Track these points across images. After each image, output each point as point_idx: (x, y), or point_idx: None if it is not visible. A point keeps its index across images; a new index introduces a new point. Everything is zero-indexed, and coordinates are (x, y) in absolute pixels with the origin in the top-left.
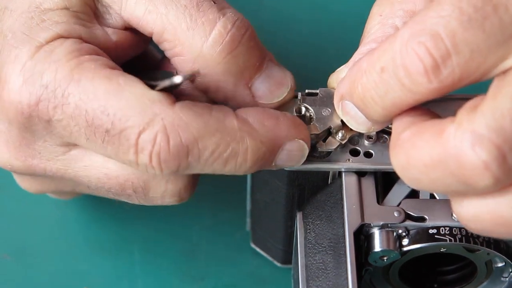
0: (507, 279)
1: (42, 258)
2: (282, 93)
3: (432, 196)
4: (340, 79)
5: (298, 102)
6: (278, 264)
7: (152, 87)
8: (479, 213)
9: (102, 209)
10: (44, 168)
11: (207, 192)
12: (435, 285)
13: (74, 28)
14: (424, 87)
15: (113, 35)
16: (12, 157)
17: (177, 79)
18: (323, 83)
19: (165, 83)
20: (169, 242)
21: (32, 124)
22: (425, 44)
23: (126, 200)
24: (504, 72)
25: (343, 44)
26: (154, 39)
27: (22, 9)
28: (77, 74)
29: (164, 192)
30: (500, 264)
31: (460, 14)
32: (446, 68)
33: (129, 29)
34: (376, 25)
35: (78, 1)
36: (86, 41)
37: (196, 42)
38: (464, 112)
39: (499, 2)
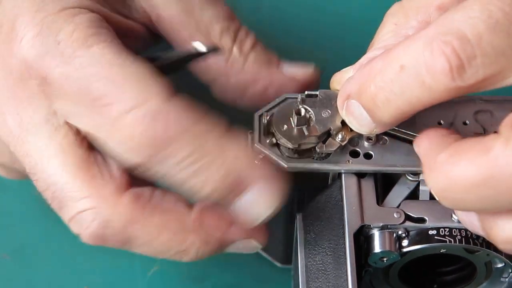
0: (506, 279)
1: (41, 258)
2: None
3: (431, 198)
4: (345, 79)
5: (298, 104)
6: (278, 265)
7: (157, 59)
8: None
9: None
10: (10, 132)
11: None
12: (435, 286)
13: (99, 7)
14: (445, 86)
15: (127, 22)
16: None
17: (201, 47)
18: (322, 84)
19: (182, 53)
20: None
21: (30, 77)
22: (452, 43)
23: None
24: None
25: (342, 45)
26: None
27: None
28: (91, 41)
29: (71, 218)
30: (499, 265)
31: (488, 17)
32: (471, 68)
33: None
34: (389, 33)
35: None
36: (107, 22)
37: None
38: (508, 128)
39: None
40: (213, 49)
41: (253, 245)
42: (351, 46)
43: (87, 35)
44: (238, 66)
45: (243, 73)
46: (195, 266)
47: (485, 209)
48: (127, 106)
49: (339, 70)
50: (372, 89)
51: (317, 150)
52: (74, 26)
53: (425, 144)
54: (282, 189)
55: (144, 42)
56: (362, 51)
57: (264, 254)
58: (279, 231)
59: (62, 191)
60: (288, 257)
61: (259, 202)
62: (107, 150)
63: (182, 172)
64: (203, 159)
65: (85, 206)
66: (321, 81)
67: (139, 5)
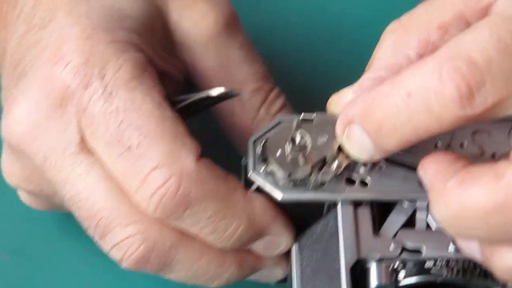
0: None
1: (41, 258)
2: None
3: (428, 227)
4: (344, 102)
5: (293, 130)
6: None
7: (180, 102)
8: None
9: None
10: (44, 158)
11: None
12: None
13: (145, 46)
14: (454, 114)
15: (166, 66)
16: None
17: (216, 91)
18: (319, 88)
19: (202, 94)
20: None
21: (69, 103)
22: (461, 69)
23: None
24: None
25: (339, 48)
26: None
27: (103, 3)
28: (135, 83)
29: (116, 244)
30: None
31: (498, 41)
32: (480, 96)
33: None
34: (387, 52)
35: (154, 24)
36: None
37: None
38: None
39: None
40: (230, 93)
41: (277, 273)
42: (347, 51)
43: (133, 75)
44: (262, 126)
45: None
46: None
47: (491, 238)
48: (158, 162)
49: (337, 72)
50: (378, 115)
51: (312, 178)
52: (122, 62)
53: (433, 169)
54: (292, 239)
55: (177, 87)
56: (362, 55)
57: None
58: None
59: (108, 218)
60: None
61: (269, 248)
62: (130, 195)
63: (208, 227)
64: (230, 217)
65: (133, 231)
66: (317, 85)
67: (177, 52)
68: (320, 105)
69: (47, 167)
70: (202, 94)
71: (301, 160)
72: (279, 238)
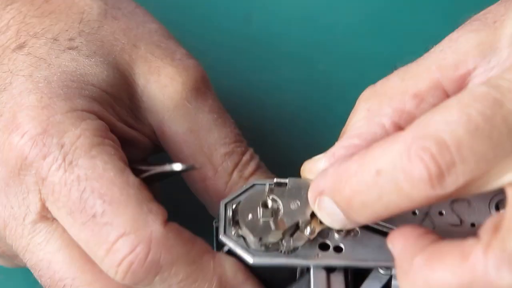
0: None
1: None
2: None
3: None
4: (317, 169)
5: (266, 194)
6: None
7: (142, 171)
8: None
9: None
10: (4, 224)
11: None
12: None
13: (107, 115)
14: (425, 193)
15: (131, 133)
16: None
17: (177, 167)
18: (311, 98)
19: (164, 168)
20: None
21: (27, 173)
22: (430, 150)
23: None
24: None
25: (332, 59)
26: (179, 157)
27: (64, 69)
28: (95, 152)
29: None
30: None
31: (468, 121)
32: (450, 176)
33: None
34: (361, 120)
35: (120, 90)
36: (112, 131)
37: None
38: (489, 233)
39: (509, 113)
40: (191, 168)
41: None
42: (340, 62)
43: (92, 144)
44: (236, 190)
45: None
46: None
47: None
48: (124, 230)
49: (333, 84)
50: (347, 191)
51: (284, 244)
52: (81, 132)
53: (400, 243)
54: None
55: (145, 151)
56: (351, 63)
57: None
58: None
59: (71, 286)
60: None
61: None
62: (97, 262)
63: None
64: (201, 280)
65: None
66: (310, 94)
67: (145, 117)
68: (319, 104)
69: (7, 234)
70: (165, 168)
71: (272, 225)
72: None
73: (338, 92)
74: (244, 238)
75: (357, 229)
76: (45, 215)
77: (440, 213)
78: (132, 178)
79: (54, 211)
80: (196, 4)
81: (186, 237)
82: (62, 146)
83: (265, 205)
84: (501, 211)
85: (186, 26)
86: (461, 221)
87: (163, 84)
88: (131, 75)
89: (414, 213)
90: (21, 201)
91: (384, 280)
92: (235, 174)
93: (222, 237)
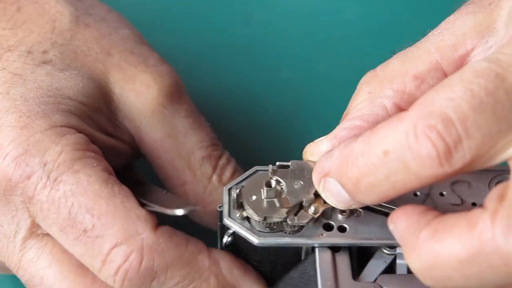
0: None
1: None
2: None
3: (409, 272)
4: (319, 151)
5: (269, 175)
6: None
7: (143, 204)
8: None
9: None
10: None
11: None
12: None
13: (86, 127)
14: (433, 172)
15: (111, 141)
16: None
17: (179, 212)
18: (312, 99)
19: (166, 211)
20: None
21: (13, 194)
22: (436, 127)
23: None
24: None
25: (333, 59)
26: (158, 163)
27: (40, 84)
28: (78, 166)
29: None
30: None
31: (471, 97)
32: (457, 153)
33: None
34: (363, 102)
35: (96, 100)
36: (92, 142)
37: (207, 172)
38: (495, 201)
39: (511, 86)
40: (192, 210)
41: None
42: (340, 62)
43: (74, 158)
44: (216, 195)
45: (220, 202)
46: None
47: (470, 287)
48: (116, 240)
49: (333, 85)
50: (355, 173)
51: (289, 222)
52: (62, 148)
53: (403, 221)
54: None
55: (125, 158)
56: (352, 64)
57: None
58: None
59: None
60: None
61: None
62: (94, 272)
63: None
64: (197, 279)
65: None
66: (310, 96)
67: (123, 124)
68: (319, 104)
69: (0, 252)
70: (166, 211)
71: (276, 204)
72: None
73: (338, 92)
74: (249, 220)
75: (360, 210)
76: (35, 232)
77: (441, 194)
78: (117, 188)
79: (46, 227)
80: (196, 4)
81: (178, 239)
82: (45, 164)
83: (268, 185)
84: (504, 183)
85: (185, 26)
86: (462, 201)
87: (138, 92)
88: (107, 84)
89: (415, 194)
90: (10, 220)
91: (389, 260)
92: (214, 178)
93: (227, 220)
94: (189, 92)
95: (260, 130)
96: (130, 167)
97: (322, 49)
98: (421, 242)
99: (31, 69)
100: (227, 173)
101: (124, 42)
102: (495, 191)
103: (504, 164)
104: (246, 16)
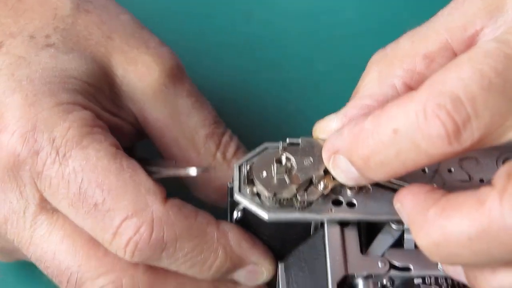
0: None
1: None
2: None
3: (416, 246)
4: (329, 129)
5: (279, 152)
6: None
7: (152, 173)
8: None
9: None
10: (5, 219)
11: None
12: None
13: (91, 105)
14: (442, 150)
15: (115, 120)
16: None
17: (193, 172)
18: (312, 98)
19: (179, 172)
20: None
21: (21, 169)
22: (446, 107)
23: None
24: None
25: (332, 58)
26: (162, 142)
27: (45, 66)
28: (86, 142)
29: None
30: None
31: (481, 77)
32: (466, 132)
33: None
34: (373, 81)
35: (100, 81)
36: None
37: (211, 149)
38: (503, 179)
39: None
40: (204, 170)
41: (260, 272)
42: (340, 62)
43: (82, 134)
44: (221, 171)
45: (225, 178)
46: None
47: (475, 263)
48: (126, 214)
49: (333, 82)
50: (365, 151)
51: (299, 198)
52: (69, 124)
53: (410, 200)
54: (273, 266)
55: (129, 139)
56: (352, 63)
57: None
58: None
59: (78, 274)
60: None
61: (251, 278)
62: (105, 245)
63: (186, 263)
64: (206, 251)
65: (104, 282)
66: (310, 94)
67: (126, 105)
68: (318, 104)
69: (9, 228)
70: (179, 172)
71: (287, 180)
72: (259, 268)
73: (338, 91)
74: (259, 196)
75: (369, 186)
76: (45, 207)
77: (449, 171)
78: (125, 162)
79: (55, 203)
80: (196, 3)
81: (187, 211)
82: (53, 140)
83: (279, 162)
84: None
85: (185, 25)
86: (470, 177)
87: (141, 73)
88: (109, 67)
89: (423, 171)
90: (19, 195)
91: (397, 234)
92: (218, 155)
93: (237, 195)
94: None
95: (259, 128)
96: (133, 150)
97: (322, 48)
98: (430, 220)
99: (35, 52)
100: (231, 149)
101: (124, 27)
102: (503, 169)
103: None
104: (246, 15)
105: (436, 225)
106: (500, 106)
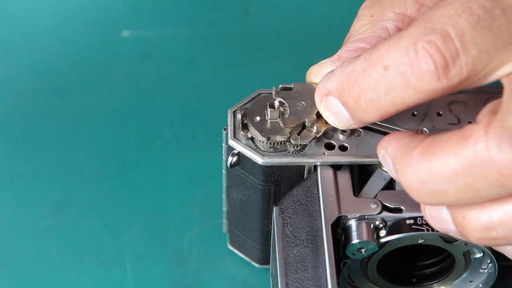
0: (485, 270)
1: (31, 269)
2: None
3: None
4: (323, 73)
5: (273, 96)
6: (256, 265)
7: None
8: (508, 217)
9: (93, 218)
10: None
11: (198, 198)
12: (414, 280)
13: None
14: (431, 85)
15: None
16: None
17: None
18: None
19: None
20: (160, 251)
21: None
22: (435, 43)
23: None
24: (509, 74)
25: (330, 51)
26: None
27: None
28: None
29: None
30: (478, 255)
31: (470, 14)
32: (455, 67)
33: None
34: (366, 25)
35: None
36: None
37: None
38: (487, 116)
39: (507, 5)
40: None
41: None
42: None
43: None
44: None
45: None
46: (187, 275)
47: (462, 201)
48: None
49: None
50: (356, 89)
51: (292, 141)
52: None
53: (394, 144)
54: None
55: None
56: None
57: (241, 255)
58: (256, 229)
59: None
60: (265, 256)
61: None
62: None
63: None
64: None
65: None
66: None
67: None
68: None
69: None
70: None
71: (280, 124)
72: None
73: None
74: (253, 141)
75: (360, 129)
76: None
77: (438, 114)
78: None
79: None
80: None
81: None
82: None
83: (272, 106)
84: (496, 100)
85: (182, 19)
86: (458, 120)
87: None
88: None
89: (413, 114)
90: None
91: (388, 177)
92: None
93: (232, 140)
94: (186, 84)
95: None
96: None
97: (320, 41)
98: (415, 160)
99: None
100: None
101: None
102: (487, 107)
103: (499, 84)
104: (243, 7)
105: (421, 163)
106: (487, 43)
